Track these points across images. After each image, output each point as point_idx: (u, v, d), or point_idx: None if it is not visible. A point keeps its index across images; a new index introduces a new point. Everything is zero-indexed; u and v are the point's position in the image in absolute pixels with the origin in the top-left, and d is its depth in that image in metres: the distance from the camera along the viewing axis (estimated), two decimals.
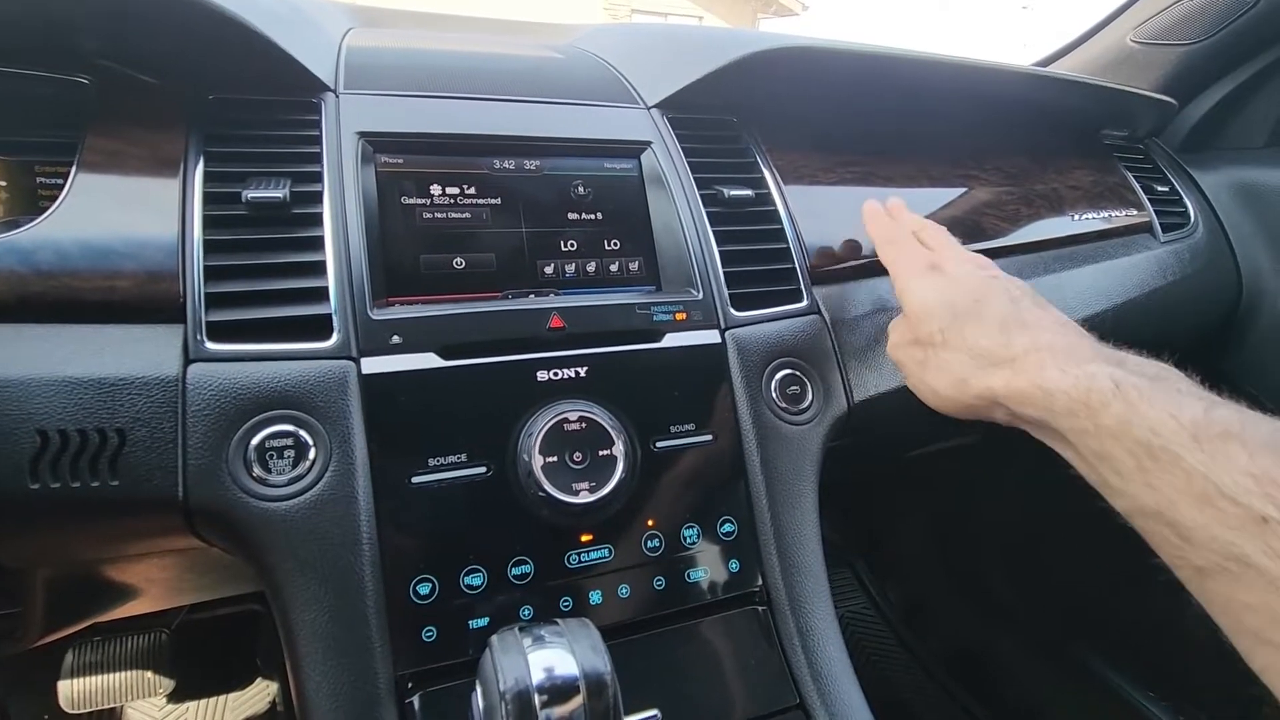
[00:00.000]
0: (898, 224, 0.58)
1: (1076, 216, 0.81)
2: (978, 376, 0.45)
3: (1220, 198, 0.92)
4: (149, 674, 0.95)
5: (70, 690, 0.92)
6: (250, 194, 0.48)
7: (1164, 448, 0.34)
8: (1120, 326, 0.77)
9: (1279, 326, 0.85)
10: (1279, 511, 0.30)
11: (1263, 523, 0.30)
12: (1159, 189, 0.90)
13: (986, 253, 0.73)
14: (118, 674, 0.93)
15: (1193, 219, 0.89)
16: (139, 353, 0.43)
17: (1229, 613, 0.32)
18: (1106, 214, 0.84)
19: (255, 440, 0.43)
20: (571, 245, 0.56)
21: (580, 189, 0.58)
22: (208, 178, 0.49)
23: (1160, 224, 0.86)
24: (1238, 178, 0.91)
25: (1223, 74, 0.94)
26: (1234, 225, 0.90)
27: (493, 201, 0.55)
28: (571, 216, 0.57)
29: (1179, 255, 0.85)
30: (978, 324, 0.47)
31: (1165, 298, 0.82)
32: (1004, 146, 0.82)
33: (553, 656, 0.36)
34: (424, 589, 0.45)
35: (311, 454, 0.44)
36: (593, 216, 0.58)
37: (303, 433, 0.44)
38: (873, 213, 0.60)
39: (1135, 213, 0.86)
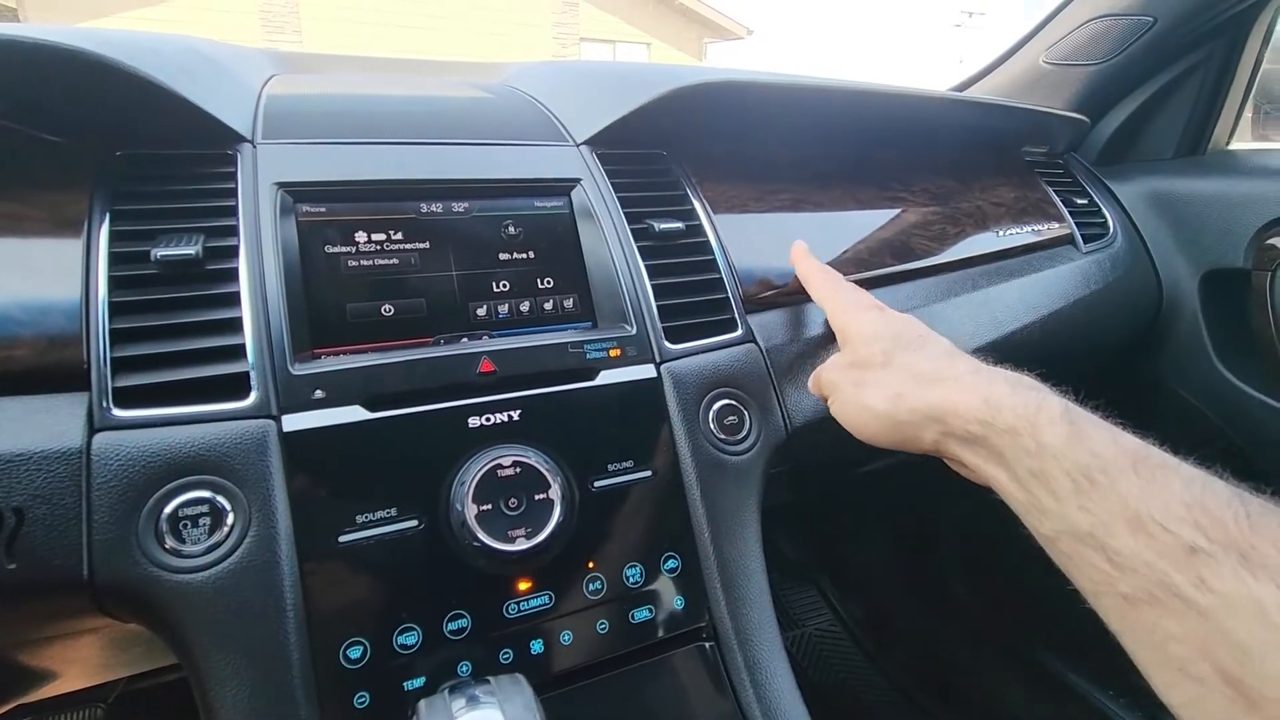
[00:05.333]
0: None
1: (1001, 232, 0.84)
2: (916, 393, 0.46)
3: (1136, 207, 0.96)
4: None
5: None
6: (160, 252, 0.46)
7: (1103, 470, 0.35)
8: (1048, 336, 0.80)
9: (1197, 328, 0.89)
10: (1207, 541, 0.30)
11: (1191, 552, 0.30)
12: (1078, 201, 0.94)
13: (916, 273, 0.75)
14: None
15: (1112, 229, 0.93)
16: (38, 425, 0.41)
17: (1153, 644, 0.32)
18: (1030, 228, 0.87)
19: (167, 509, 0.41)
20: (504, 286, 0.56)
21: (511, 229, 0.58)
22: (114, 237, 0.47)
23: (1081, 235, 0.90)
24: (1151, 188, 0.96)
25: (1129, 91, 0.99)
26: (1151, 233, 0.94)
27: (421, 246, 0.55)
28: (503, 257, 0.57)
29: (1100, 264, 0.89)
30: (920, 352, 0.48)
31: (1090, 306, 0.85)
32: (929, 168, 0.85)
33: (483, 718, 0.35)
34: (355, 653, 0.43)
35: (229, 520, 0.42)
36: (525, 256, 0.58)
37: (220, 498, 0.43)
38: (803, 251, 0.62)
39: (1057, 226, 0.89)
